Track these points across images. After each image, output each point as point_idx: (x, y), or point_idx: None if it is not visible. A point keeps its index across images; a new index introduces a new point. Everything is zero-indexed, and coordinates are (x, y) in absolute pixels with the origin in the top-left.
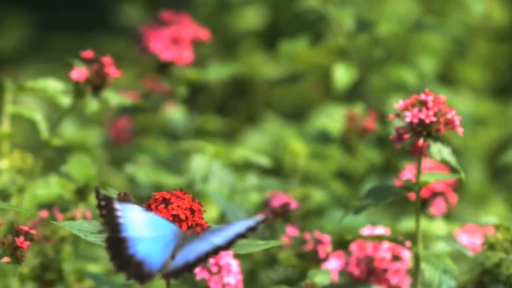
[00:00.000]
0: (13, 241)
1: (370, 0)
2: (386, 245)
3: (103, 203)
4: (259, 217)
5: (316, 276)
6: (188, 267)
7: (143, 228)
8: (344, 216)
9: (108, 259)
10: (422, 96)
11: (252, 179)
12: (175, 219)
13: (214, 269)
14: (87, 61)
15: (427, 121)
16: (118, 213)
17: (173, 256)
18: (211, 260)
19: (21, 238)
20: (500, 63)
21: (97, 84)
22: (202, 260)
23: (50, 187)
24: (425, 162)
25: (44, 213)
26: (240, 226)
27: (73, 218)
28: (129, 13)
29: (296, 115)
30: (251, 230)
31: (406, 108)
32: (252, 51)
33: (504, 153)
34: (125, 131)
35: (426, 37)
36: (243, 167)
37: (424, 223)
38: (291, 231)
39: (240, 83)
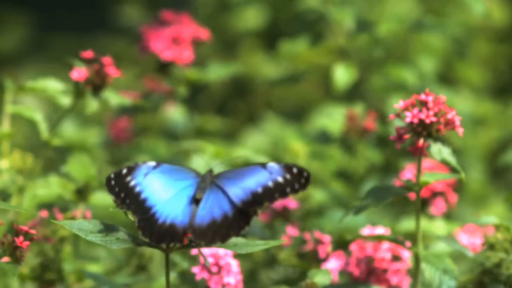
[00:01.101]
0: (13, 241)
1: (370, 0)
2: (386, 245)
3: (113, 182)
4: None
5: (316, 276)
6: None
7: (162, 190)
8: (344, 216)
9: (145, 237)
10: (422, 96)
11: None
12: None
13: (214, 269)
14: (87, 61)
15: (427, 121)
16: (132, 183)
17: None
18: (211, 260)
19: (21, 238)
20: (500, 63)
21: (97, 84)
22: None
23: (50, 187)
24: (425, 162)
25: (44, 213)
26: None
27: (73, 218)
28: (129, 13)
29: (296, 115)
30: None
31: (406, 108)
32: (252, 51)
33: (504, 153)
34: (125, 131)
35: (426, 37)
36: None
37: (424, 223)
38: (291, 231)
39: (240, 83)
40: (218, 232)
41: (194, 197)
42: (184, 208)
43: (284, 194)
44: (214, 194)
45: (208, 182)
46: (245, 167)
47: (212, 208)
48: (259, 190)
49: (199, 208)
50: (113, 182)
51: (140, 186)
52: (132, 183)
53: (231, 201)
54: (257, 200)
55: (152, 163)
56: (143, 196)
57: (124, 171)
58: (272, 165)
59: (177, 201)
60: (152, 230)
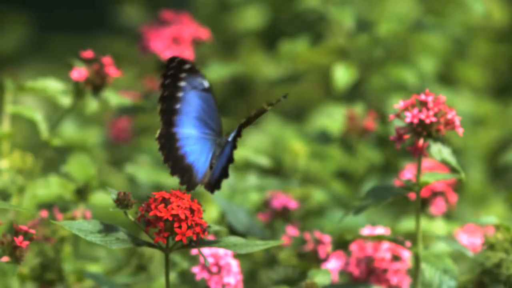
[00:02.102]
0: (12, 240)
1: (370, 0)
2: (386, 245)
3: (170, 72)
4: None
5: (316, 276)
6: (225, 171)
7: (192, 123)
8: (344, 216)
9: (163, 160)
10: (422, 97)
11: (252, 179)
12: (175, 218)
13: (214, 269)
14: (87, 61)
15: (427, 121)
16: (179, 94)
17: (211, 167)
18: (211, 260)
19: (20, 237)
20: (500, 63)
21: (97, 84)
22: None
23: (50, 187)
24: (425, 162)
25: (44, 213)
26: None
27: (73, 218)
28: (129, 13)
29: (296, 115)
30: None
31: (406, 109)
32: (252, 51)
33: (504, 153)
34: (125, 131)
35: (426, 37)
36: (243, 167)
37: (424, 223)
38: (291, 231)
39: (240, 83)
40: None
41: (210, 161)
42: (204, 162)
43: None
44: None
45: (222, 145)
46: None
47: (217, 167)
48: None
49: (212, 172)
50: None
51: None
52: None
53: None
54: None
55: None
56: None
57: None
58: None
59: (201, 154)
60: (175, 162)
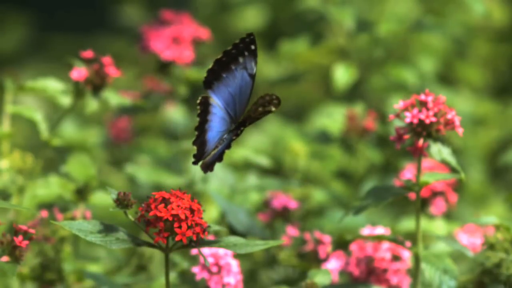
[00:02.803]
0: (12, 240)
1: (370, 0)
2: (386, 245)
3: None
4: None
5: (316, 276)
6: (220, 156)
7: (225, 99)
8: (344, 216)
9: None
10: (422, 97)
11: (252, 179)
12: (175, 218)
13: (214, 269)
14: (87, 61)
15: (427, 121)
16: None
17: (215, 148)
18: (211, 260)
19: (20, 237)
20: (500, 63)
21: (97, 84)
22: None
23: (50, 187)
24: (425, 162)
25: (44, 213)
26: None
27: (73, 218)
28: (129, 13)
29: (296, 115)
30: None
31: (406, 109)
32: None
33: (504, 153)
34: (125, 131)
35: (426, 37)
36: (243, 167)
37: (424, 223)
38: (291, 231)
39: None
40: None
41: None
42: (214, 142)
43: None
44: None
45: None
46: None
47: (218, 151)
48: None
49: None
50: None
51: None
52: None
53: None
54: None
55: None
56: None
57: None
58: None
59: (217, 133)
60: (201, 133)
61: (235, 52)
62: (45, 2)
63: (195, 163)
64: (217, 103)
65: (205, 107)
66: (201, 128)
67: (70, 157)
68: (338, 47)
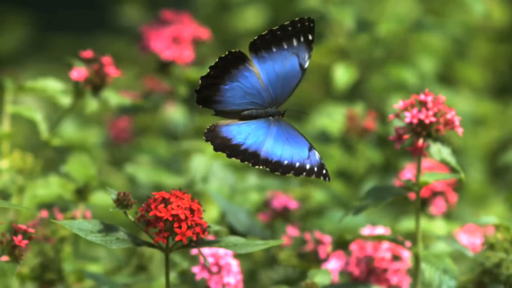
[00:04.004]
0: (12, 240)
1: (370, 0)
2: (386, 245)
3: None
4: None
5: (316, 276)
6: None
7: (267, 78)
8: (344, 216)
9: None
10: (422, 97)
11: (252, 179)
12: (175, 218)
13: (214, 269)
14: (87, 61)
15: (427, 121)
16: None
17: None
18: (211, 260)
19: (19, 236)
20: (500, 63)
21: (96, 84)
22: None
23: (50, 187)
24: (425, 162)
25: (44, 213)
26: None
27: (73, 218)
28: (129, 13)
29: (296, 115)
30: None
31: (405, 109)
32: None
33: (504, 153)
34: (125, 131)
35: (426, 37)
36: (243, 167)
37: (424, 223)
38: (291, 231)
39: None
40: None
41: None
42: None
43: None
44: None
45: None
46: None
47: None
48: None
49: None
50: None
51: None
52: None
53: None
54: None
55: None
56: None
57: None
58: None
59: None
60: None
61: (291, 30)
62: (45, 2)
63: (198, 101)
64: (257, 71)
65: (237, 60)
66: (219, 75)
67: (70, 157)
68: (338, 47)
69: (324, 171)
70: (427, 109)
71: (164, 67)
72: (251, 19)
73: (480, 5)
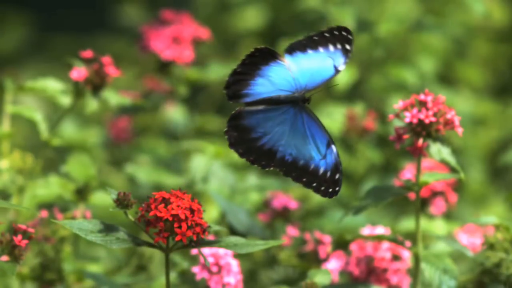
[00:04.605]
0: (11, 239)
1: (370, 0)
2: (386, 245)
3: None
4: None
5: (316, 276)
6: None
7: (300, 71)
8: (344, 216)
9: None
10: (422, 96)
11: (252, 179)
12: (175, 218)
13: (214, 269)
14: (87, 61)
15: (427, 121)
16: None
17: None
18: (211, 260)
19: (19, 236)
20: (500, 63)
21: (96, 84)
22: None
23: (50, 187)
24: (425, 162)
25: (44, 213)
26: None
27: (73, 218)
28: (129, 13)
29: None
30: None
31: (405, 109)
32: None
33: (504, 153)
34: (125, 131)
35: (426, 37)
36: (243, 167)
37: (424, 223)
38: (291, 231)
39: None
40: None
41: None
42: None
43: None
44: None
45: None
46: None
47: None
48: None
49: None
50: None
51: None
52: None
53: None
54: None
55: None
56: None
57: None
58: None
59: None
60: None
61: (328, 36)
62: (45, 2)
63: (228, 97)
64: (287, 64)
65: (266, 56)
66: (247, 72)
67: (70, 157)
68: None
69: (337, 176)
70: (427, 109)
71: (164, 67)
72: (251, 19)
73: (480, 5)
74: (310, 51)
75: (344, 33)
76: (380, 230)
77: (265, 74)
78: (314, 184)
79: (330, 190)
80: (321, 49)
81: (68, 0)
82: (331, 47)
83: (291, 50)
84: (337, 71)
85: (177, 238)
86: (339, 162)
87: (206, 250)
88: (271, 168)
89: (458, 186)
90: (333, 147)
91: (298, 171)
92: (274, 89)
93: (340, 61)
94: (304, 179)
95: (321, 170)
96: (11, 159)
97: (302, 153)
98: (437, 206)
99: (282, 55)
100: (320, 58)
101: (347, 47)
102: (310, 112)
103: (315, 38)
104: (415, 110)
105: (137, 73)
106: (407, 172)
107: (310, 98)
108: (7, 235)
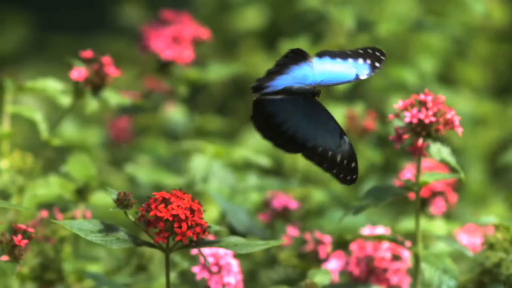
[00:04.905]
0: (11, 239)
1: (370, 0)
2: (386, 245)
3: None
4: None
5: (316, 276)
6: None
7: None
8: (344, 216)
9: None
10: (422, 96)
11: (252, 179)
12: (175, 218)
13: (214, 268)
14: (87, 61)
15: (426, 121)
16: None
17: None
18: (211, 260)
19: (19, 236)
20: (500, 63)
21: (96, 83)
22: None
23: (50, 187)
24: (425, 162)
25: (44, 213)
26: None
27: (73, 218)
28: (129, 13)
29: None
30: None
31: (405, 108)
32: (252, 51)
33: (504, 153)
34: (125, 131)
35: (426, 37)
36: (243, 167)
37: (424, 223)
38: (292, 231)
39: (240, 83)
40: None
41: None
42: None
43: None
44: None
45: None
46: None
47: None
48: None
49: None
50: None
51: None
52: None
53: None
54: None
55: None
56: None
57: None
58: None
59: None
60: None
61: (362, 53)
62: (45, 2)
63: (254, 88)
64: (313, 65)
65: (298, 58)
66: (277, 71)
67: (70, 157)
68: (338, 47)
69: (353, 165)
70: (427, 109)
71: (164, 67)
72: (251, 19)
73: (480, 5)
74: (338, 59)
75: (377, 53)
76: (380, 230)
77: (291, 71)
78: (334, 171)
79: (348, 177)
80: (350, 60)
81: (68, 0)
82: (360, 61)
83: (321, 54)
84: (357, 78)
85: (177, 238)
86: (353, 151)
87: (206, 250)
88: (296, 153)
89: (458, 186)
90: (346, 138)
91: (319, 157)
92: (292, 82)
93: (364, 72)
94: (325, 165)
95: (338, 158)
96: (11, 159)
97: (319, 141)
98: (437, 206)
99: (312, 57)
100: (346, 66)
101: (377, 64)
102: (320, 105)
103: (349, 52)
104: (415, 110)
105: (137, 73)
106: (407, 172)
107: (320, 92)
108: (7, 235)
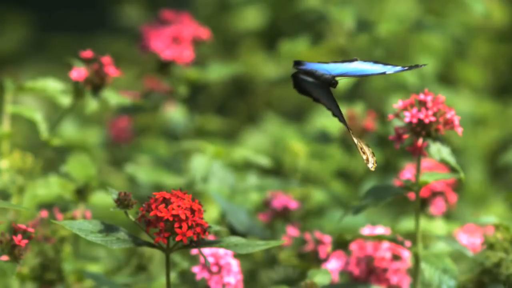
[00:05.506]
0: (11, 239)
1: (370, 0)
2: (386, 244)
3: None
4: None
5: (316, 276)
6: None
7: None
8: (344, 216)
9: None
10: (421, 96)
11: (252, 179)
12: (175, 219)
13: (214, 268)
14: (87, 61)
15: (426, 121)
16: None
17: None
18: (211, 260)
19: (19, 236)
20: (500, 63)
21: (96, 83)
22: None
23: (50, 187)
24: (425, 162)
25: (44, 213)
26: None
27: (73, 218)
28: (129, 13)
29: (296, 115)
30: None
31: (405, 108)
32: (252, 51)
33: (504, 153)
34: (125, 131)
35: (426, 37)
36: (243, 167)
37: (424, 223)
38: (292, 231)
39: (240, 83)
40: None
41: None
42: None
43: None
44: None
45: None
46: None
47: None
48: None
49: None
50: None
51: None
52: None
53: None
54: None
55: None
56: None
57: None
58: None
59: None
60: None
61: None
62: (45, 2)
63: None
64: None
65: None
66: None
67: (70, 157)
68: (338, 47)
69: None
70: (427, 109)
71: (164, 67)
72: (251, 19)
73: (480, 5)
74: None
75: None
76: (380, 230)
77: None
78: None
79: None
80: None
81: (68, 0)
82: (398, 68)
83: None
84: (383, 73)
85: (178, 238)
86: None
87: (206, 250)
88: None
89: (458, 186)
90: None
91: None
92: (319, 68)
93: (392, 70)
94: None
95: None
96: (11, 159)
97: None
98: (437, 206)
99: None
100: (379, 66)
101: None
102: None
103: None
104: (414, 110)
105: (137, 73)
106: (407, 172)
107: (337, 83)
108: (7, 235)
